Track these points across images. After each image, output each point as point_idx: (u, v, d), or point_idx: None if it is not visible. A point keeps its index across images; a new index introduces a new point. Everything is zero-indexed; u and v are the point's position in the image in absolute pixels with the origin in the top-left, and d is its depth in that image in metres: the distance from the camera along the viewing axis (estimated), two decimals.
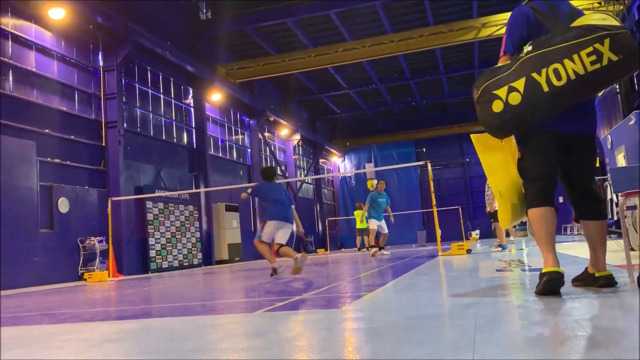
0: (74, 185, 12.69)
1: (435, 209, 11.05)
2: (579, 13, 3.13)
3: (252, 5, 18.42)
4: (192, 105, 18.63)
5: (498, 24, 17.64)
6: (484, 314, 2.68)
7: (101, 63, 14.15)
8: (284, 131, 26.03)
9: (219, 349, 2.32)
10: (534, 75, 3.01)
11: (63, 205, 12.18)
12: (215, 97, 19.02)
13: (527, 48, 3.12)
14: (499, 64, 3.26)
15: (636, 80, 18.09)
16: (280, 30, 20.15)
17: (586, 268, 3.39)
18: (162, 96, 16.93)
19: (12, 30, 11.62)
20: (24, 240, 10.96)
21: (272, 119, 24.02)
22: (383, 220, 12.51)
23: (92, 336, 3.01)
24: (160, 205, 15.48)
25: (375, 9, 18.83)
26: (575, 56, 2.92)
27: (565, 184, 3.43)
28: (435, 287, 4.37)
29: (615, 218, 11.56)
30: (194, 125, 18.54)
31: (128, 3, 15.22)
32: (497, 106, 3.11)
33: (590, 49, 2.89)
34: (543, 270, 3.06)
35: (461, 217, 22.76)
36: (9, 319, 4.36)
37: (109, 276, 11.33)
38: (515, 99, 3.06)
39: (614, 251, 6.39)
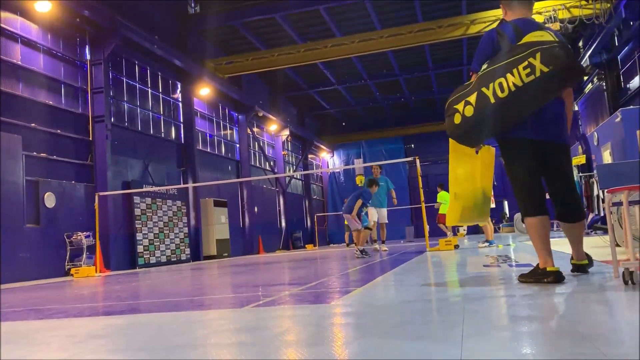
0: (60, 180, 12.57)
1: (423, 205, 11.09)
2: (546, 30, 3.43)
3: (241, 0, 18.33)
4: (180, 100, 18.52)
5: (487, 20, 17.68)
6: (472, 309, 2.70)
7: (88, 57, 14.00)
8: (272, 126, 25.97)
9: (207, 344, 2.31)
10: (484, 89, 3.37)
11: (49, 200, 12.07)
12: (204, 91, 18.91)
13: (484, 66, 3.47)
14: (467, 82, 3.61)
15: (622, 78, 18.27)
16: (269, 25, 20.06)
17: (571, 257, 3.81)
18: (150, 90, 16.80)
19: None
20: (9, 236, 10.84)
21: (260, 114, 23.94)
22: (385, 208, 12.38)
23: (79, 332, 2.98)
24: (148, 200, 15.39)
25: (364, 5, 18.81)
26: (514, 70, 3.27)
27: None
28: (424, 283, 4.39)
29: (602, 214, 11.68)
30: (182, 120, 18.43)
31: None
32: (457, 119, 3.52)
33: (526, 63, 3.25)
34: (548, 269, 3.44)
35: None
36: None
37: (96, 271, 11.26)
38: (469, 111, 3.44)
39: (600, 247, 6.46)
